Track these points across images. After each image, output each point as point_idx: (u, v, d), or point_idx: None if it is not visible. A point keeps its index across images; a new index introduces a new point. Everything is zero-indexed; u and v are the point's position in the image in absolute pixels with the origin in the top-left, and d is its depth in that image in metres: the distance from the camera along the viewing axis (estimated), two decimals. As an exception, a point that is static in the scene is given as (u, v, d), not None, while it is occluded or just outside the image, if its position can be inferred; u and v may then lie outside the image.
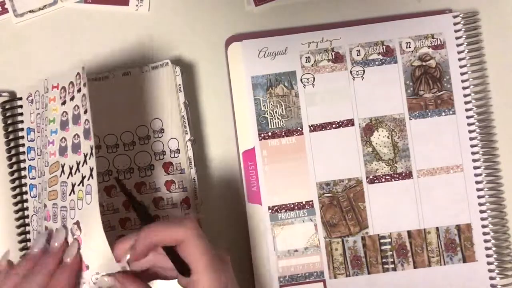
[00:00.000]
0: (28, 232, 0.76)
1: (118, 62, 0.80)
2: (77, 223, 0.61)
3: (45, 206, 0.68)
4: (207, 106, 0.81)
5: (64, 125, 0.66)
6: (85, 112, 0.62)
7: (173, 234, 0.58)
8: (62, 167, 0.65)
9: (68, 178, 0.64)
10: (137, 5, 0.82)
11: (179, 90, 0.77)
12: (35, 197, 0.75)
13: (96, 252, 0.60)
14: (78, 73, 0.65)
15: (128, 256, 0.59)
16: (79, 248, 0.61)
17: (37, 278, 0.59)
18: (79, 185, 0.62)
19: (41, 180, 0.71)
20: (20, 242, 0.76)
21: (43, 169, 0.70)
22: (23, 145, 0.77)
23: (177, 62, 0.80)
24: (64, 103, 0.67)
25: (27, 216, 0.77)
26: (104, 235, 0.59)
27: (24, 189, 0.77)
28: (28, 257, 0.62)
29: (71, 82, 0.66)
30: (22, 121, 0.78)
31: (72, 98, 0.65)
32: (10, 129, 0.78)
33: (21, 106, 0.78)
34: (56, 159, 0.66)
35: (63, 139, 0.66)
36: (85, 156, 0.62)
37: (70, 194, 0.63)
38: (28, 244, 0.76)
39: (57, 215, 0.65)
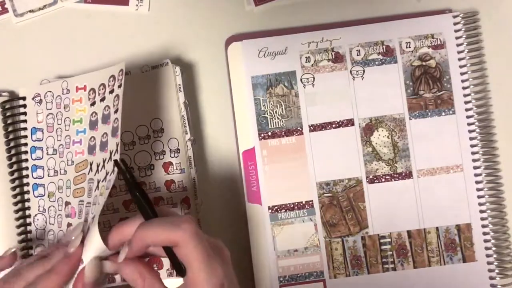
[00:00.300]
0: (30, 232, 0.76)
1: (118, 62, 0.78)
2: (94, 217, 0.63)
3: (67, 203, 0.71)
4: (207, 106, 0.81)
5: (93, 125, 0.69)
6: (116, 111, 0.65)
7: (170, 236, 0.57)
8: (91, 165, 0.68)
9: (95, 175, 0.67)
10: (137, 5, 0.81)
11: (179, 90, 0.77)
12: (41, 196, 0.75)
13: (92, 244, 0.60)
14: (112, 75, 0.68)
15: (123, 255, 0.59)
16: (82, 241, 0.61)
17: (42, 265, 0.61)
18: (102, 181, 0.64)
19: (58, 179, 0.73)
20: (20, 242, 0.75)
21: (63, 168, 0.72)
22: (25, 144, 0.77)
23: (177, 62, 0.79)
24: (93, 104, 0.70)
25: (28, 216, 0.76)
26: (97, 228, 0.59)
27: (25, 188, 0.76)
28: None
29: (102, 84, 0.69)
30: (24, 121, 0.77)
31: (102, 99, 0.68)
32: (10, 129, 0.77)
33: (23, 106, 0.77)
34: (84, 157, 0.70)
35: (92, 138, 0.69)
36: (111, 153, 0.64)
37: (95, 190, 0.66)
38: (29, 243, 0.75)
39: (82, 211, 0.68)
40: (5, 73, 0.81)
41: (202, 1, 0.82)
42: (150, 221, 0.60)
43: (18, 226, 0.76)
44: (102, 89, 0.69)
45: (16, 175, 0.76)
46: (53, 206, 0.73)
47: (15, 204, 0.76)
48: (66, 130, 0.73)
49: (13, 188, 0.76)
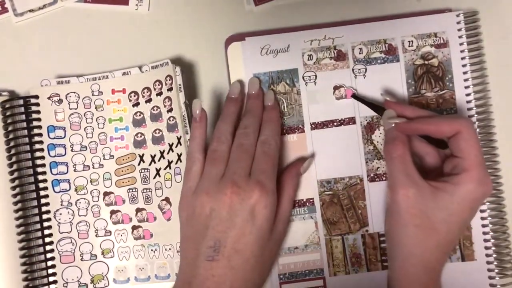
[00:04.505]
0: (29, 231, 0.72)
1: (118, 62, 0.76)
2: (166, 199, 0.72)
3: (106, 194, 0.74)
4: (207, 106, 0.77)
5: (139, 122, 0.74)
6: (169, 111, 0.72)
7: (453, 125, 0.62)
8: (140, 157, 0.73)
9: (150, 165, 0.73)
10: (137, 5, 0.78)
11: (179, 90, 0.73)
12: (65, 191, 0.74)
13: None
14: (158, 80, 0.73)
15: (395, 121, 0.67)
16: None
17: (254, 122, 0.69)
18: (165, 168, 0.72)
19: (91, 173, 0.74)
20: (20, 241, 0.72)
21: (98, 162, 0.74)
22: (25, 144, 0.74)
23: (177, 62, 0.75)
24: (136, 104, 0.74)
25: (28, 216, 0.73)
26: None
27: (24, 188, 0.73)
28: (231, 103, 0.71)
29: (146, 88, 0.73)
30: (32, 119, 0.74)
31: (148, 101, 0.73)
32: (10, 128, 0.74)
33: (24, 105, 0.74)
34: (129, 151, 0.74)
35: (139, 134, 0.73)
36: (170, 145, 0.72)
37: (154, 178, 0.73)
38: (29, 243, 0.73)
39: (137, 197, 0.73)
40: (5, 72, 0.78)
41: (202, 1, 0.78)
42: (432, 115, 0.66)
43: (18, 226, 0.72)
44: (147, 92, 0.73)
45: (16, 174, 0.73)
46: (84, 199, 0.74)
47: (15, 203, 0.72)
48: (99, 128, 0.74)
49: (13, 188, 0.73)
